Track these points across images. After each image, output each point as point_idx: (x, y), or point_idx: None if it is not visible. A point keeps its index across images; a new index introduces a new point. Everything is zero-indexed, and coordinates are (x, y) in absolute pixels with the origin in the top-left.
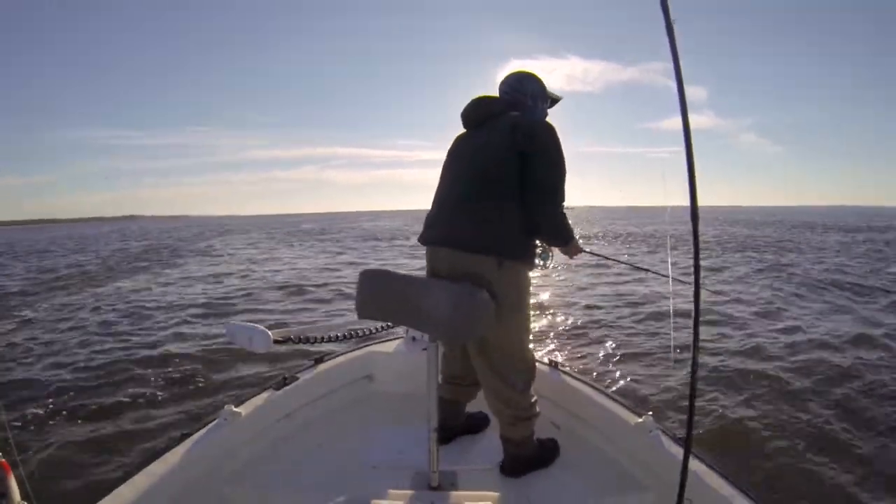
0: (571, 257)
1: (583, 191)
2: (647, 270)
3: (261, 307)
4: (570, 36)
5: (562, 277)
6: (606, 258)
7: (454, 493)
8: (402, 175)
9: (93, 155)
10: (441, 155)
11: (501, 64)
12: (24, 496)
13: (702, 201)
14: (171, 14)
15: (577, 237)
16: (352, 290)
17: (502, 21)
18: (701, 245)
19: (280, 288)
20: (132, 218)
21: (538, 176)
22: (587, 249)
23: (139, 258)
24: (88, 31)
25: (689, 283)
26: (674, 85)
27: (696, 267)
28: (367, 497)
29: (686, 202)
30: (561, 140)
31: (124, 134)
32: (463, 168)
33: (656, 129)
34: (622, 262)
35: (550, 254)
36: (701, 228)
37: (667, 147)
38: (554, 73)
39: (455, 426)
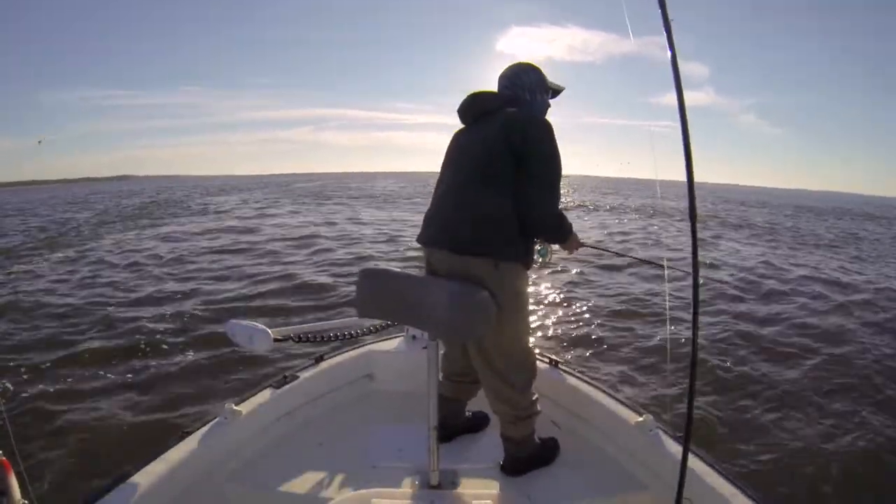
0: (571, 252)
1: (582, 159)
2: (649, 262)
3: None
4: (571, 4)
5: (557, 266)
6: (607, 251)
7: (455, 492)
8: (399, 138)
9: (87, 115)
10: (439, 119)
11: (502, 30)
12: (25, 494)
13: (700, 178)
14: None
15: (575, 231)
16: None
17: None
18: (697, 222)
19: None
20: (125, 178)
21: (533, 173)
22: (586, 243)
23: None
24: None
25: (688, 275)
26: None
27: (695, 266)
28: (368, 496)
29: (678, 177)
30: (557, 133)
31: (118, 94)
32: (459, 166)
33: (656, 104)
34: (623, 255)
35: (549, 250)
36: (700, 207)
37: (665, 122)
38: (554, 42)
39: (456, 425)
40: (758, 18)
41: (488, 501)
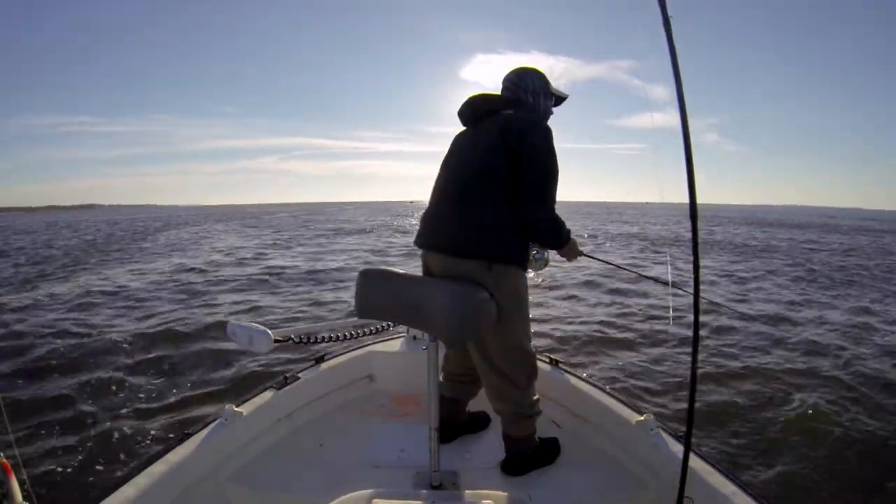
0: (570, 260)
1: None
2: (653, 279)
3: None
4: (534, 31)
5: (559, 271)
6: (607, 263)
7: (455, 493)
8: (365, 166)
9: (46, 143)
10: (404, 147)
11: (467, 58)
12: (26, 497)
13: (671, 198)
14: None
15: (574, 239)
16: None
17: (466, 15)
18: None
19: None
20: (91, 207)
21: (526, 177)
22: (586, 253)
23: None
24: (39, 17)
25: (689, 293)
26: (639, 83)
27: (696, 268)
28: (369, 497)
29: (646, 199)
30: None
31: (79, 121)
32: (455, 168)
33: (619, 126)
34: (624, 269)
35: (545, 255)
36: (679, 229)
37: (632, 144)
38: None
39: (456, 425)
40: (709, 43)
41: (489, 501)
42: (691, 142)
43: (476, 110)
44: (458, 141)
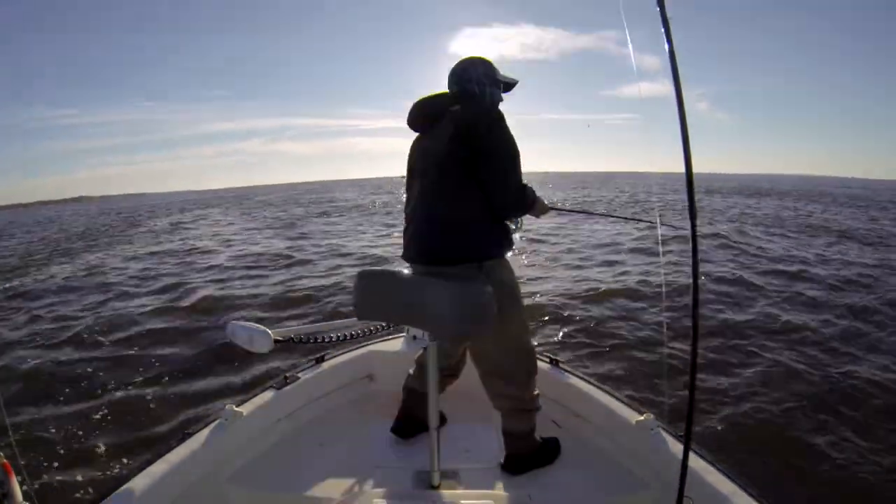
0: (539, 217)
1: (546, 156)
2: (636, 220)
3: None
4: (523, 3)
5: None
6: (578, 212)
7: (455, 492)
8: (359, 143)
9: (31, 137)
10: (396, 123)
11: (454, 33)
12: (26, 497)
13: (662, 167)
14: None
15: (539, 196)
16: None
17: None
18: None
19: None
20: (80, 200)
21: (487, 168)
22: (557, 207)
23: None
24: (15, 4)
25: (684, 230)
26: (631, 53)
27: (695, 264)
28: (369, 496)
29: (643, 169)
30: (509, 122)
31: (63, 113)
32: (420, 177)
33: (609, 97)
34: (597, 214)
35: (520, 223)
36: (671, 197)
37: (625, 114)
38: (508, 41)
39: (420, 421)
40: (698, 11)
41: (489, 501)
42: (691, 153)
43: (426, 113)
44: (416, 148)
